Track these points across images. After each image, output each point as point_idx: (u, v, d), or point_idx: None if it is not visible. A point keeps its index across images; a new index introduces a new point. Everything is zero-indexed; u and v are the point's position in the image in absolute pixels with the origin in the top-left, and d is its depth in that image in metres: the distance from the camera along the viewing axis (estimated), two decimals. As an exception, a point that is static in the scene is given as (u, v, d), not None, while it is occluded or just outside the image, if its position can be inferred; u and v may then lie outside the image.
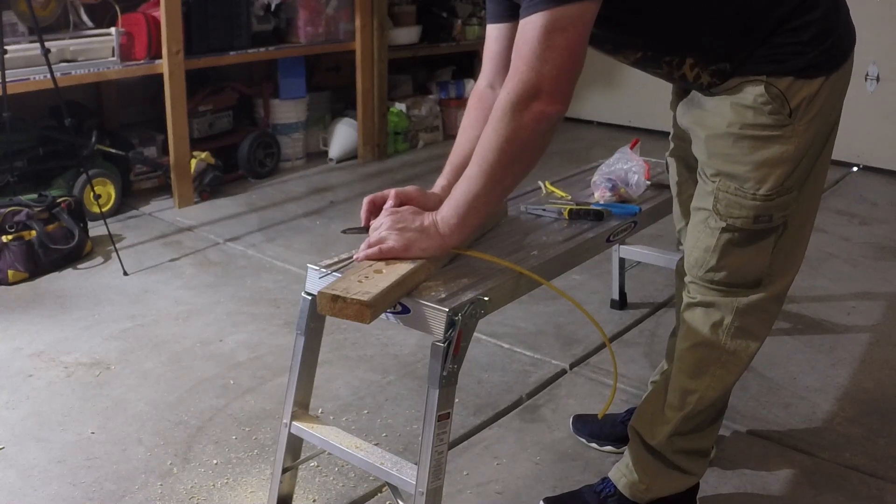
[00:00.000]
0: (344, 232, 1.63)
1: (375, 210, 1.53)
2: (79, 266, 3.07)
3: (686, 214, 1.76)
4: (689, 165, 1.69)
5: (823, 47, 1.41)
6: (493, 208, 1.45)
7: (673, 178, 1.78)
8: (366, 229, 1.52)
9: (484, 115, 1.49)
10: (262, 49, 3.98)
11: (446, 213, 1.43)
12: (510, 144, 1.34)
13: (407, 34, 4.73)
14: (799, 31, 1.40)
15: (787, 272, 1.58)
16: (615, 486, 1.72)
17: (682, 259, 1.84)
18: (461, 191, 1.40)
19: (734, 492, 1.88)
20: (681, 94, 1.65)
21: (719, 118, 1.47)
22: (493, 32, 1.63)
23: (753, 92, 1.42)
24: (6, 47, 2.97)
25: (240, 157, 4.13)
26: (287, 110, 4.36)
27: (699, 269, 1.57)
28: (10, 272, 2.89)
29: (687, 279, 1.62)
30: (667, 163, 1.82)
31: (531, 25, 1.29)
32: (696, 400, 1.61)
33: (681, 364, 1.63)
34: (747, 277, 1.55)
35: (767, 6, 1.40)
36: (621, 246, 2.65)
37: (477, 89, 1.66)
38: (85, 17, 3.57)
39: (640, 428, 1.70)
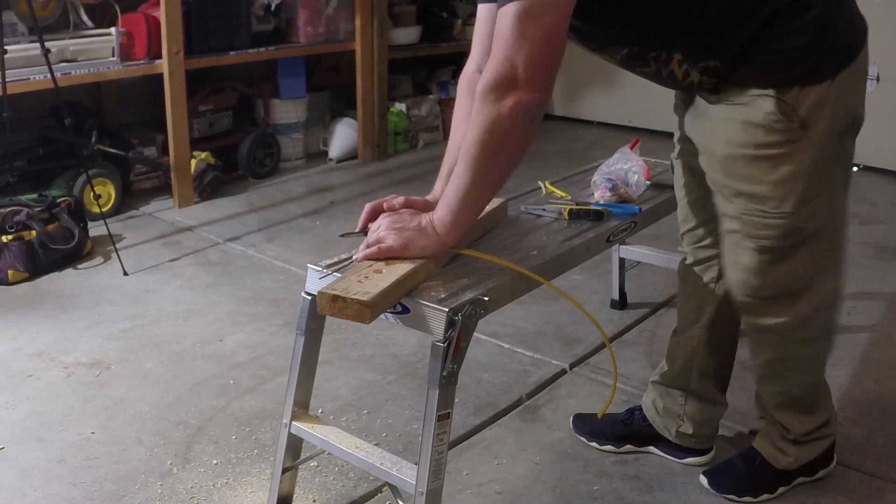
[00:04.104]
0: (342, 236, 1.63)
1: (374, 216, 1.53)
2: (79, 266, 3.07)
3: (690, 217, 1.76)
4: (693, 169, 1.68)
5: (823, 49, 1.39)
6: (487, 202, 1.45)
7: (679, 181, 1.78)
8: (363, 234, 1.52)
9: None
10: (262, 49, 3.98)
11: (441, 212, 1.43)
12: (491, 135, 1.33)
13: (407, 34, 4.73)
14: (797, 34, 1.38)
15: (835, 273, 1.63)
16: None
17: (684, 259, 1.84)
18: (452, 188, 1.40)
19: (734, 492, 1.87)
20: (685, 99, 1.63)
21: (731, 140, 1.47)
22: (483, 13, 1.61)
23: (763, 109, 1.41)
24: (6, 47, 2.97)
25: (240, 157, 4.13)
26: (287, 110, 4.35)
27: (744, 289, 1.61)
28: (10, 272, 2.89)
29: (737, 299, 1.65)
30: (672, 164, 1.82)
31: (506, 14, 1.29)
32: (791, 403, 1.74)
33: (766, 381, 1.76)
34: (794, 287, 1.58)
35: (755, 1, 1.38)
36: (621, 246, 2.65)
37: (465, 73, 1.63)
38: (85, 17, 3.57)
39: (765, 452, 1.81)
